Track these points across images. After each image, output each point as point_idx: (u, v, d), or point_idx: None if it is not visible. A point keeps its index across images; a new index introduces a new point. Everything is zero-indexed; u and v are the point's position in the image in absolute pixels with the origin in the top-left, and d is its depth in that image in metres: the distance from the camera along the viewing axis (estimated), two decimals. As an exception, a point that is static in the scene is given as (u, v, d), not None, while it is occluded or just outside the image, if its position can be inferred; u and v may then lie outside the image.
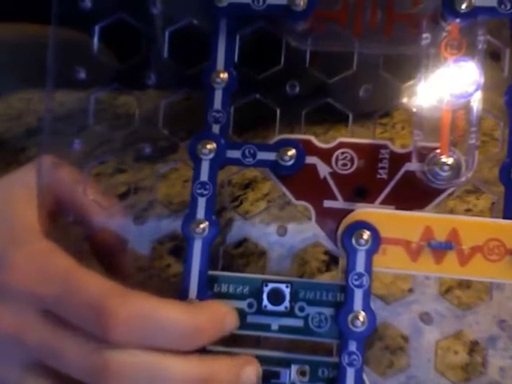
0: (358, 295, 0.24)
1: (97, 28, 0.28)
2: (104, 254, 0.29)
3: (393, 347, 0.29)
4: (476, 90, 0.24)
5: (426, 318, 0.26)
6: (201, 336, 0.23)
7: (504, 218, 0.25)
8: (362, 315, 0.24)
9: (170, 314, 0.23)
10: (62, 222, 0.28)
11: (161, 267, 0.34)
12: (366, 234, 0.24)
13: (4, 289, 0.24)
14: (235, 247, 0.31)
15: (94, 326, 0.22)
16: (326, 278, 0.31)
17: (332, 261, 0.32)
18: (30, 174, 0.26)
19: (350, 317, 0.24)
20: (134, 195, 0.35)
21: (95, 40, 0.28)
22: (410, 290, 0.26)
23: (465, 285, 0.29)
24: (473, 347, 0.28)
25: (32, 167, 0.27)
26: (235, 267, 0.31)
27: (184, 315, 0.23)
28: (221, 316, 0.24)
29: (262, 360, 0.25)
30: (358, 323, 0.24)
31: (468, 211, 0.32)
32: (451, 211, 0.31)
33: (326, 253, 0.32)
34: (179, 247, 0.33)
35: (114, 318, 0.22)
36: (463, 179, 0.25)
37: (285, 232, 0.27)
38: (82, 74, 0.28)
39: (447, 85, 0.24)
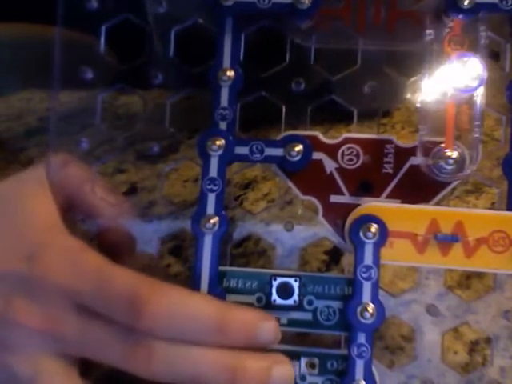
0: (367, 287, 0.24)
1: (103, 28, 0.28)
2: (112, 253, 0.29)
3: (393, 347, 0.29)
4: (479, 84, 0.24)
5: (425, 318, 0.26)
6: (226, 334, 0.23)
7: (508, 209, 0.25)
8: (371, 307, 0.24)
9: (202, 309, 0.23)
10: (70, 220, 0.28)
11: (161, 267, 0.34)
12: (374, 228, 0.24)
13: (36, 283, 0.24)
14: (235, 247, 0.31)
15: (127, 316, 0.23)
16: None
17: (332, 260, 0.32)
18: (42, 172, 0.27)
19: (359, 309, 0.24)
20: (134, 195, 0.35)
21: (102, 40, 0.28)
22: (410, 290, 0.26)
23: (465, 285, 0.29)
24: (473, 347, 0.28)
25: (37, 167, 0.27)
26: (235, 267, 0.31)
27: (212, 309, 0.23)
28: (250, 320, 0.24)
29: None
30: (368, 315, 0.24)
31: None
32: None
33: (327, 252, 0.32)
34: (180, 247, 0.34)
35: (148, 307, 0.22)
36: (467, 172, 0.25)
37: (292, 227, 0.28)
38: (89, 74, 0.28)
39: (451, 80, 0.25)
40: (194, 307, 0.23)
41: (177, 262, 0.33)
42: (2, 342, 0.24)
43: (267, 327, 0.24)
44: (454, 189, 0.31)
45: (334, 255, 0.32)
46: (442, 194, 0.26)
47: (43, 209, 0.25)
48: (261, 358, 0.24)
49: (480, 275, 0.30)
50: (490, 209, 0.31)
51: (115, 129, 0.33)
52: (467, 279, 0.31)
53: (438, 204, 0.26)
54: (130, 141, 0.32)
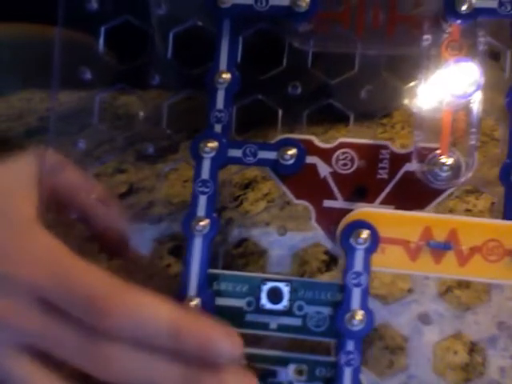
0: (356, 294, 0.24)
1: (102, 29, 0.28)
2: (108, 252, 0.29)
3: (393, 347, 0.28)
4: (476, 90, 0.24)
5: (425, 318, 0.26)
6: (179, 341, 0.23)
7: (504, 218, 0.25)
8: (359, 314, 0.24)
9: (155, 309, 0.23)
10: (64, 222, 0.29)
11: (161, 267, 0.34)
12: (365, 233, 0.24)
13: (1, 277, 0.24)
14: (235, 247, 0.31)
15: (85, 314, 0.23)
16: (326, 278, 0.31)
17: (332, 261, 0.32)
18: (26, 167, 0.27)
19: (348, 316, 0.24)
20: (134, 195, 0.35)
21: (101, 41, 0.28)
22: (410, 290, 0.26)
23: (464, 285, 0.29)
24: (473, 347, 0.28)
25: (27, 159, 0.27)
26: (235, 267, 0.31)
27: (168, 314, 0.23)
28: (206, 331, 0.23)
29: (260, 358, 0.25)
30: (356, 322, 0.24)
31: (468, 211, 0.32)
32: (451, 211, 0.31)
33: (327, 253, 0.32)
34: (179, 247, 0.34)
35: (105, 307, 0.22)
36: (463, 180, 0.25)
37: (285, 232, 0.27)
38: (88, 75, 0.29)
39: (448, 85, 0.24)
40: (150, 310, 0.23)
41: (177, 262, 0.33)
42: None
43: (225, 342, 0.23)
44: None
45: (334, 256, 0.32)
46: (436, 201, 0.25)
47: (19, 204, 0.25)
48: (214, 374, 0.23)
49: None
50: (490, 209, 0.30)
51: (115, 129, 0.33)
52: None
53: (434, 209, 0.25)
54: (129, 141, 0.32)
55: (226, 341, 0.23)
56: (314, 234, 0.26)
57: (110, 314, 0.22)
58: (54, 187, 0.27)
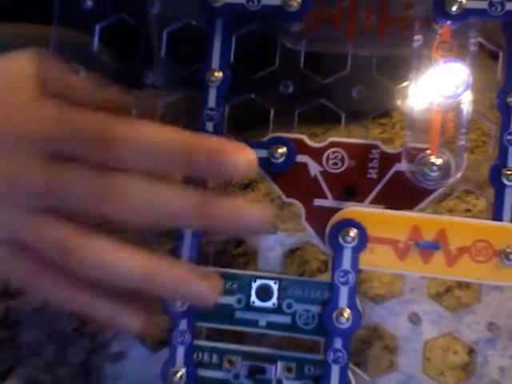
0: (344, 292, 0.24)
1: (97, 28, 0.29)
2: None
3: (392, 347, 0.28)
4: (465, 90, 0.24)
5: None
6: (192, 160, 0.23)
7: (494, 219, 0.25)
8: (346, 312, 0.24)
9: (165, 133, 0.23)
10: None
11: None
12: (353, 232, 0.24)
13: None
14: (235, 247, 0.31)
15: (95, 148, 0.23)
16: (325, 278, 0.31)
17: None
18: (24, 65, 0.26)
19: (335, 313, 0.24)
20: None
21: (95, 40, 0.29)
22: (409, 290, 0.26)
23: (464, 285, 0.29)
24: (473, 347, 0.27)
25: (25, 59, 0.26)
26: (235, 266, 0.32)
27: (179, 135, 0.23)
28: (218, 147, 0.23)
29: (249, 355, 0.25)
30: (343, 320, 0.24)
31: (468, 211, 0.32)
32: (451, 211, 0.31)
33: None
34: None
35: (114, 137, 0.23)
36: (452, 180, 0.25)
37: (275, 230, 0.28)
38: (82, 73, 0.29)
39: (438, 86, 0.25)
40: (160, 134, 0.23)
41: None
42: None
43: (239, 153, 0.23)
44: (453, 189, 0.31)
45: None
46: (426, 201, 0.25)
47: (25, 84, 0.25)
48: (230, 198, 0.24)
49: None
50: (490, 209, 0.30)
51: None
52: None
53: (432, 208, 0.26)
54: None
55: (239, 152, 0.23)
56: (304, 233, 0.27)
57: (119, 143, 0.22)
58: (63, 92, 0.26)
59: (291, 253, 0.30)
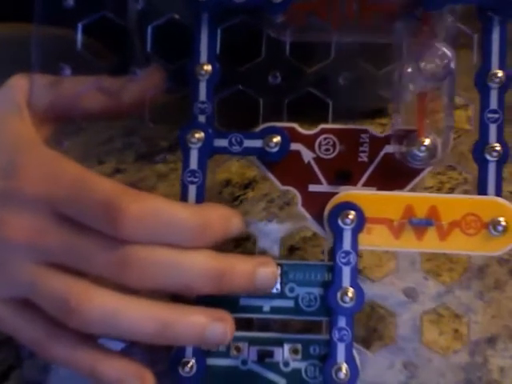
0: (346, 272, 0.25)
1: (80, 25, 0.29)
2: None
3: (392, 346, 0.29)
4: (448, 73, 0.25)
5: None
6: (208, 232, 0.24)
7: (478, 194, 0.26)
8: (350, 291, 0.25)
9: (178, 212, 0.24)
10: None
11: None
12: (352, 214, 0.25)
13: (15, 196, 0.24)
14: (235, 247, 0.32)
15: (104, 223, 0.23)
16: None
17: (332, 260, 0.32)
18: (15, 92, 0.26)
19: (339, 293, 0.25)
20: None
21: (79, 37, 0.28)
22: (409, 290, 0.27)
23: (465, 285, 0.30)
24: (473, 347, 0.28)
25: (12, 86, 0.27)
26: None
27: (192, 213, 0.24)
28: (227, 215, 0.25)
29: (256, 341, 0.26)
30: (347, 299, 0.25)
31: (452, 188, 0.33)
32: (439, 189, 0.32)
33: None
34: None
35: (124, 214, 0.23)
36: (439, 159, 0.26)
37: (272, 218, 0.28)
38: (67, 71, 0.29)
39: (422, 70, 0.26)
40: (173, 214, 0.23)
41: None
42: None
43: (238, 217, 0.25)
44: (452, 189, 0.33)
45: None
46: (415, 180, 0.27)
47: (19, 126, 0.25)
48: (246, 260, 0.25)
49: (480, 276, 0.31)
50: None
51: (110, 128, 0.33)
52: (468, 279, 0.31)
53: (413, 190, 0.27)
54: (129, 141, 0.32)
55: (237, 218, 0.25)
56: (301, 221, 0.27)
57: (128, 220, 0.22)
58: (53, 103, 0.27)
59: (291, 252, 0.30)
